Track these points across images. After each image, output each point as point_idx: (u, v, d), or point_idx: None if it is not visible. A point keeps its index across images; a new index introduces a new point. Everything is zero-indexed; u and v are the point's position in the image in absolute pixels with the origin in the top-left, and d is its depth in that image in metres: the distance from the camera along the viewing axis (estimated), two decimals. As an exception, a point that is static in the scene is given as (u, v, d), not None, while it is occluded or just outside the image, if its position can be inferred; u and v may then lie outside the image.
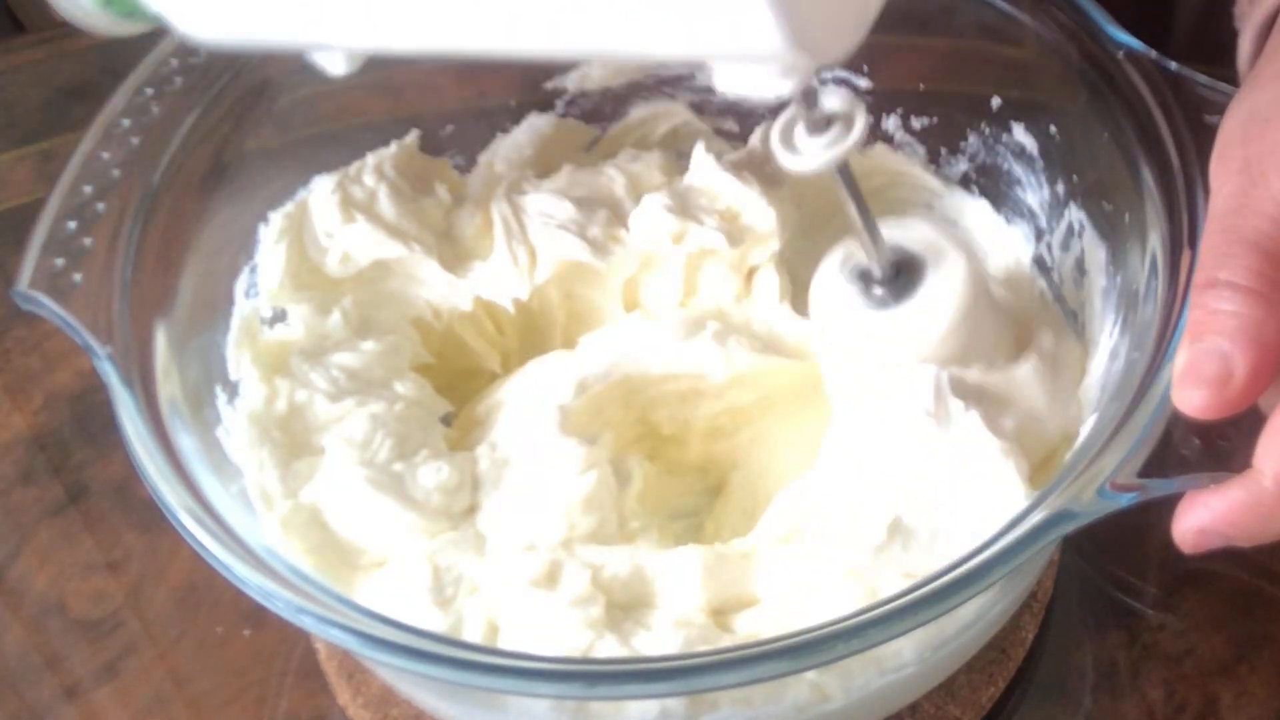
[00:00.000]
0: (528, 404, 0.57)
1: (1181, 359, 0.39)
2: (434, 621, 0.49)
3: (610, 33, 0.35)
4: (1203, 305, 0.39)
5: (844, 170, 0.47)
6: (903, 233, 0.53)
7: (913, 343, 0.51)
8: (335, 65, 0.45)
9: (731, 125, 0.68)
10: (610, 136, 0.68)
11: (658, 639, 0.48)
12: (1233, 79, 0.48)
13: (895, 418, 0.51)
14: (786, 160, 0.45)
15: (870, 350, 0.52)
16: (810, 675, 0.46)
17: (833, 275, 0.54)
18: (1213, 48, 0.53)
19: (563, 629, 0.48)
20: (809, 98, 0.43)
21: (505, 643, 0.49)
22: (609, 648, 0.48)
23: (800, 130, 0.45)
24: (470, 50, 0.39)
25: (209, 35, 0.42)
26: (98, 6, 0.43)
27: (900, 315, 0.52)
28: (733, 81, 0.38)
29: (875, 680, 0.47)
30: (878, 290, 0.52)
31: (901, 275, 0.52)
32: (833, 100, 0.44)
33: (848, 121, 0.44)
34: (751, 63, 0.37)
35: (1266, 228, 0.39)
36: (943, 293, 0.51)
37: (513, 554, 0.51)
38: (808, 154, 0.45)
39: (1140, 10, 0.56)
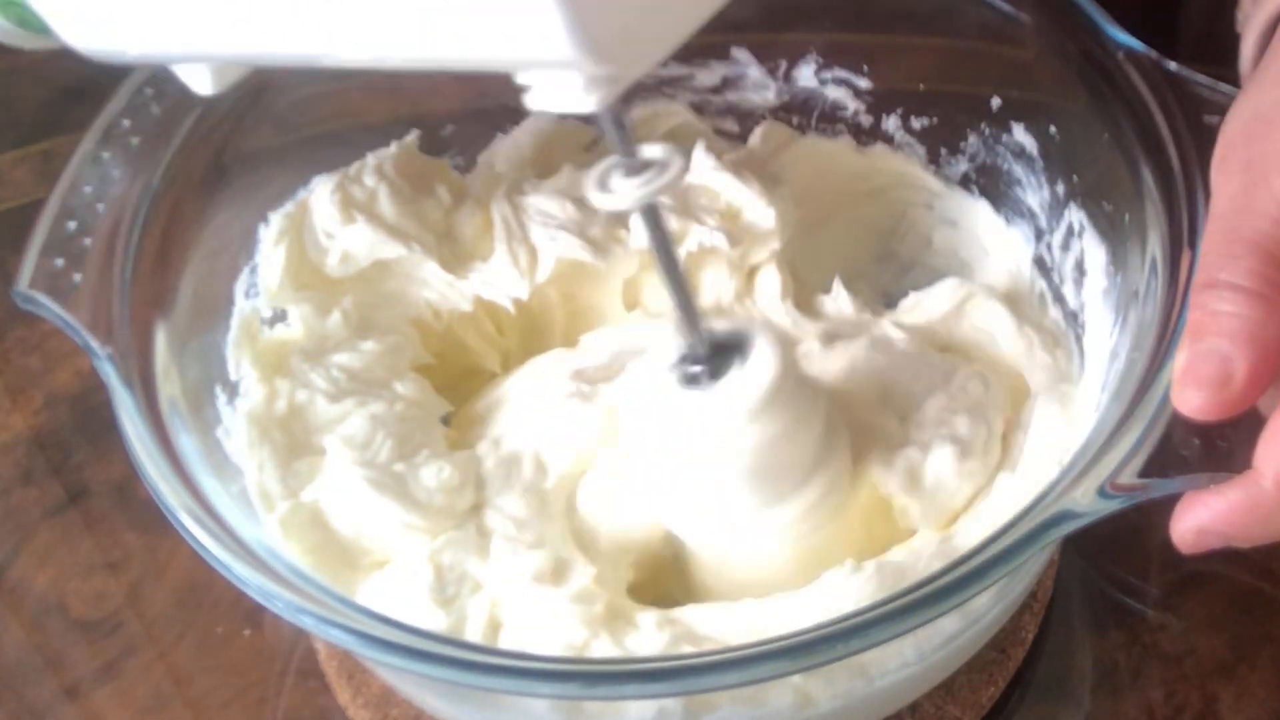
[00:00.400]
0: (527, 400, 0.57)
1: (1181, 360, 0.39)
2: (436, 621, 0.49)
3: (403, 42, 0.35)
4: (1203, 306, 0.39)
5: (652, 215, 0.45)
6: (735, 322, 0.51)
7: (714, 430, 0.49)
8: (202, 85, 0.45)
9: (731, 125, 0.68)
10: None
11: (645, 638, 0.49)
12: (1238, 81, 0.48)
13: None
14: (596, 198, 0.43)
15: (672, 435, 0.50)
16: (797, 680, 0.46)
17: (654, 362, 0.51)
18: (1218, 50, 0.53)
19: (563, 626, 0.48)
20: (621, 128, 0.42)
21: (505, 640, 0.49)
22: (603, 646, 0.48)
23: (617, 173, 0.43)
24: (261, 56, 0.39)
25: (88, 47, 0.42)
26: (11, 24, 0.44)
27: (703, 397, 0.49)
28: (541, 98, 0.37)
29: (877, 680, 0.47)
30: (692, 370, 0.49)
31: (721, 361, 0.49)
32: (654, 151, 0.42)
33: (664, 168, 0.42)
34: (553, 73, 0.36)
35: (1268, 229, 0.39)
36: (749, 379, 0.48)
37: (517, 550, 0.52)
38: (619, 193, 0.43)
39: (1146, 12, 0.56)
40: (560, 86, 0.36)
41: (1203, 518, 0.39)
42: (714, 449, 0.49)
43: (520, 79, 0.37)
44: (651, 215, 0.44)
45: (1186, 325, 0.40)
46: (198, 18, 0.40)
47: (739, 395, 0.48)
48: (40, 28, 0.43)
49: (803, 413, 0.50)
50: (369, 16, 0.35)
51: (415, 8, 0.34)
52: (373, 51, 0.37)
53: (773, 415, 0.48)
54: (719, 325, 0.50)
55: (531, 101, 0.37)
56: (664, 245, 0.46)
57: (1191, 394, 0.38)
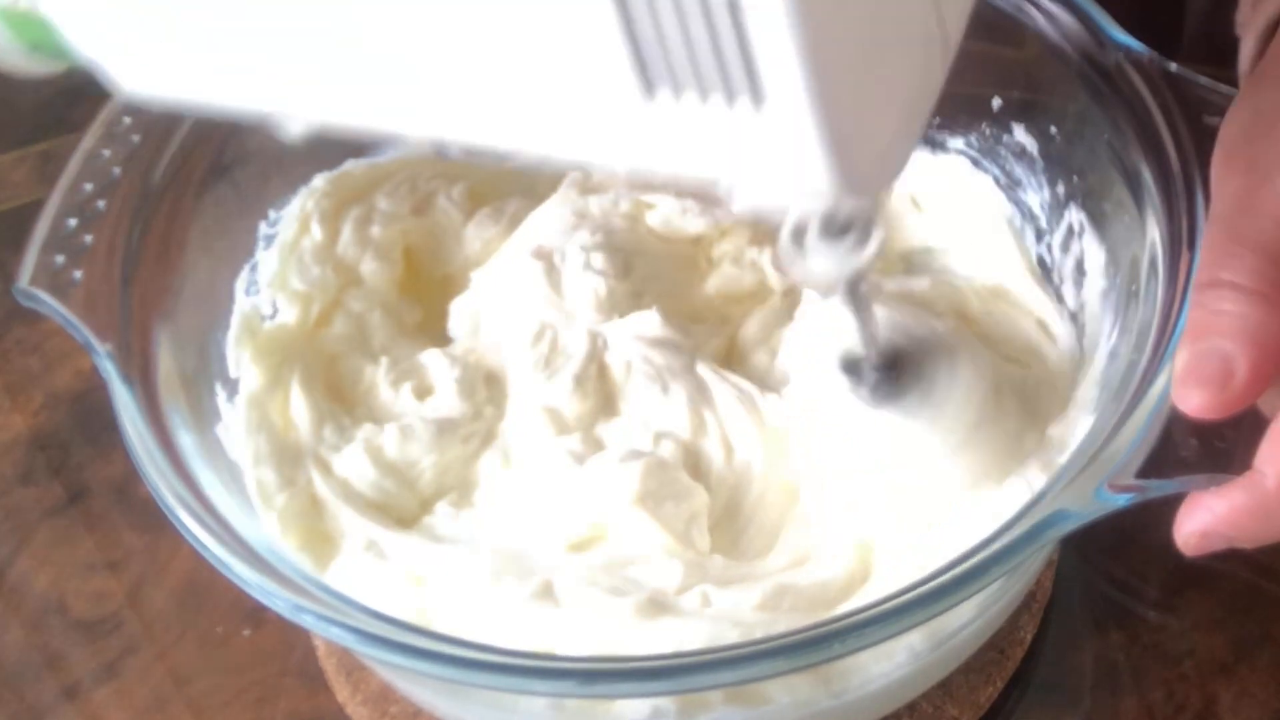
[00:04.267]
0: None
1: (1182, 359, 0.39)
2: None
3: (641, 152, 0.33)
4: (1204, 305, 0.39)
5: (854, 287, 0.44)
6: (905, 323, 0.51)
7: (917, 452, 0.50)
8: (291, 129, 0.41)
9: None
10: None
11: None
12: (1238, 83, 0.48)
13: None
14: (797, 271, 0.42)
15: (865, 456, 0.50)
16: (792, 679, 0.46)
17: (824, 363, 0.51)
18: (1220, 51, 0.53)
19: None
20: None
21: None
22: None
23: (812, 234, 0.41)
24: (463, 140, 0.35)
25: (148, 91, 0.39)
26: (20, 44, 0.40)
27: (899, 423, 0.49)
28: (755, 200, 0.34)
29: (873, 680, 0.47)
30: (870, 380, 0.50)
31: (898, 371, 0.50)
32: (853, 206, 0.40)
33: (865, 228, 0.41)
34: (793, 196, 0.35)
35: (1270, 229, 0.39)
36: (951, 396, 0.50)
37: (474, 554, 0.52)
38: (821, 262, 0.41)
39: (1148, 13, 0.56)
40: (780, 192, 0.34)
41: (1206, 521, 0.39)
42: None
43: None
44: (853, 287, 0.44)
45: (1187, 324, 0.40)
46: (308, 71, 0.35)
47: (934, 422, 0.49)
48: (54, 53, 0.39)
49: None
50: (541, 108, 0.32)
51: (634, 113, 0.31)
52: (558, 149, 0.34)
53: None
54: (898, 333, 0.51)
55: (739, 204, 0.34)
56: (863, 307, 0.45)
57: (1192, 392, 0.38)
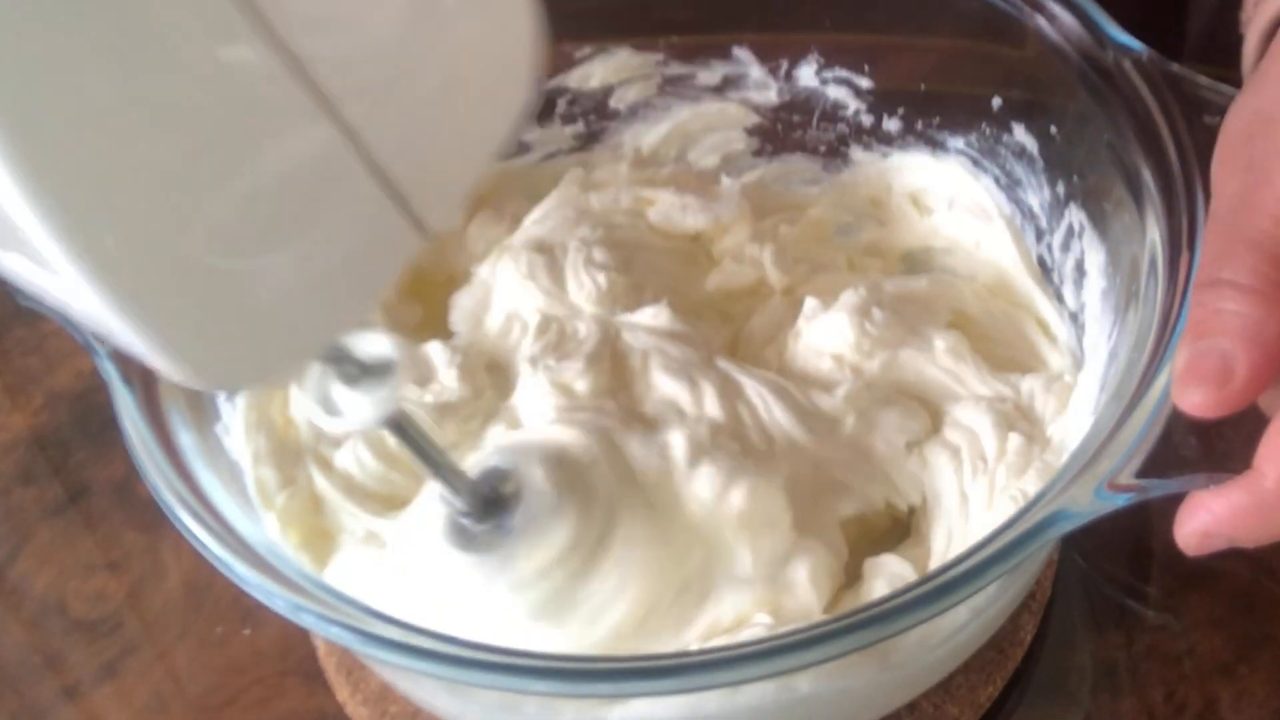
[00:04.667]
0: None
1: (1182, 358, 0.39)
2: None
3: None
4: (1204, 304, 0.39)
5: (396, 422, 0.41)
6: (510, 456, 0.47)
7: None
8: None
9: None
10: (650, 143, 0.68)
11: None
12: (1242, 83, 0.48)
13: None
14: (326, 422, 0.39)
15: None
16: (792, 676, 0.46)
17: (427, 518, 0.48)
18: (1225, 51, 0.53)
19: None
20: (334, 353, 0.38)
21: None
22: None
23: (335, 385, 0.38)
24: None
25: None
26: None
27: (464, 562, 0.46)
28: None
29: (871, 678, 0.47)
30: (468, 525, 0.46)
31: (499, 510, 0.46)
32: (371, 346, 0.38)
33: (384, 369, 0.38)
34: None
35: (1270, 228, 0.39)
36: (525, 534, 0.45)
37: None
38: (350, 413, 0.39)
39: (1148, 13, 0.56)
40: None
41: (1205, 521, 0.39)
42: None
43: None
44: (396, 423, 0.41)
45: (1187, 323, 0.40)
46: None
47: (499, 570, 0.46)
48: None
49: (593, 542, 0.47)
50: None
51: None
52: None
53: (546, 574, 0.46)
54: (490, 469, 0.47)
55: None
56: (415, 444, 0.42)
57: (1192, 391, 0.38)
